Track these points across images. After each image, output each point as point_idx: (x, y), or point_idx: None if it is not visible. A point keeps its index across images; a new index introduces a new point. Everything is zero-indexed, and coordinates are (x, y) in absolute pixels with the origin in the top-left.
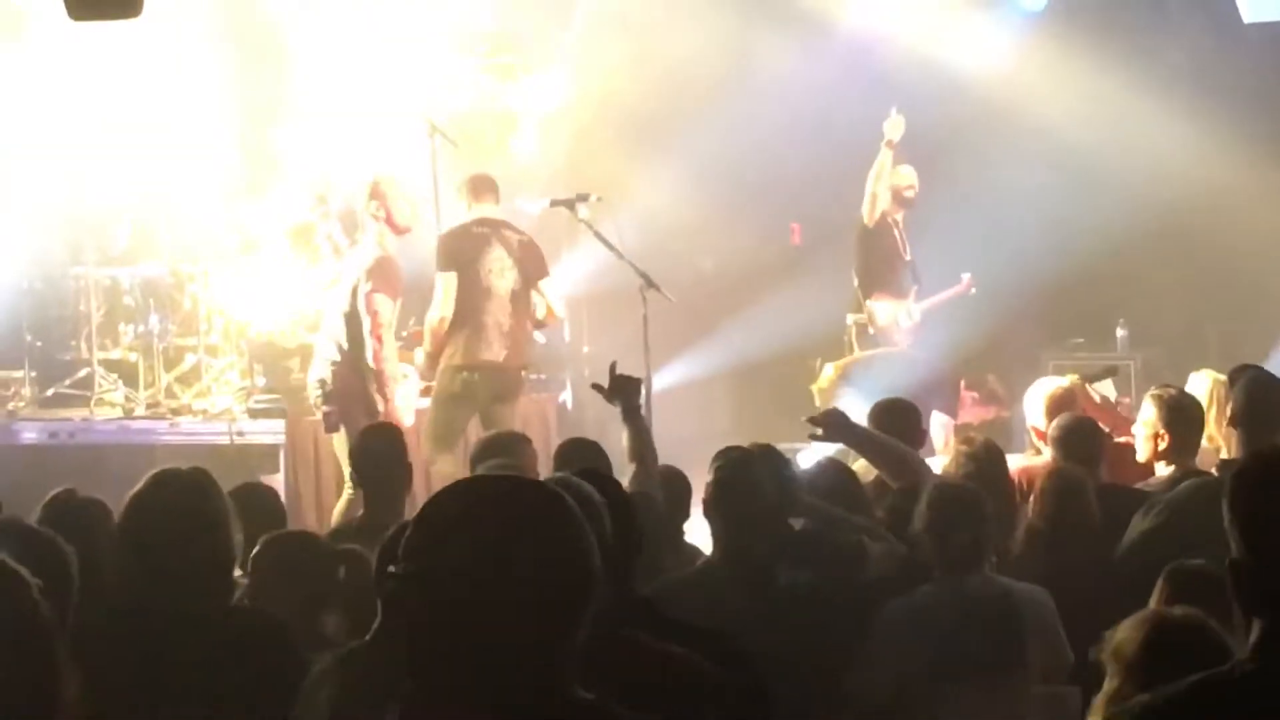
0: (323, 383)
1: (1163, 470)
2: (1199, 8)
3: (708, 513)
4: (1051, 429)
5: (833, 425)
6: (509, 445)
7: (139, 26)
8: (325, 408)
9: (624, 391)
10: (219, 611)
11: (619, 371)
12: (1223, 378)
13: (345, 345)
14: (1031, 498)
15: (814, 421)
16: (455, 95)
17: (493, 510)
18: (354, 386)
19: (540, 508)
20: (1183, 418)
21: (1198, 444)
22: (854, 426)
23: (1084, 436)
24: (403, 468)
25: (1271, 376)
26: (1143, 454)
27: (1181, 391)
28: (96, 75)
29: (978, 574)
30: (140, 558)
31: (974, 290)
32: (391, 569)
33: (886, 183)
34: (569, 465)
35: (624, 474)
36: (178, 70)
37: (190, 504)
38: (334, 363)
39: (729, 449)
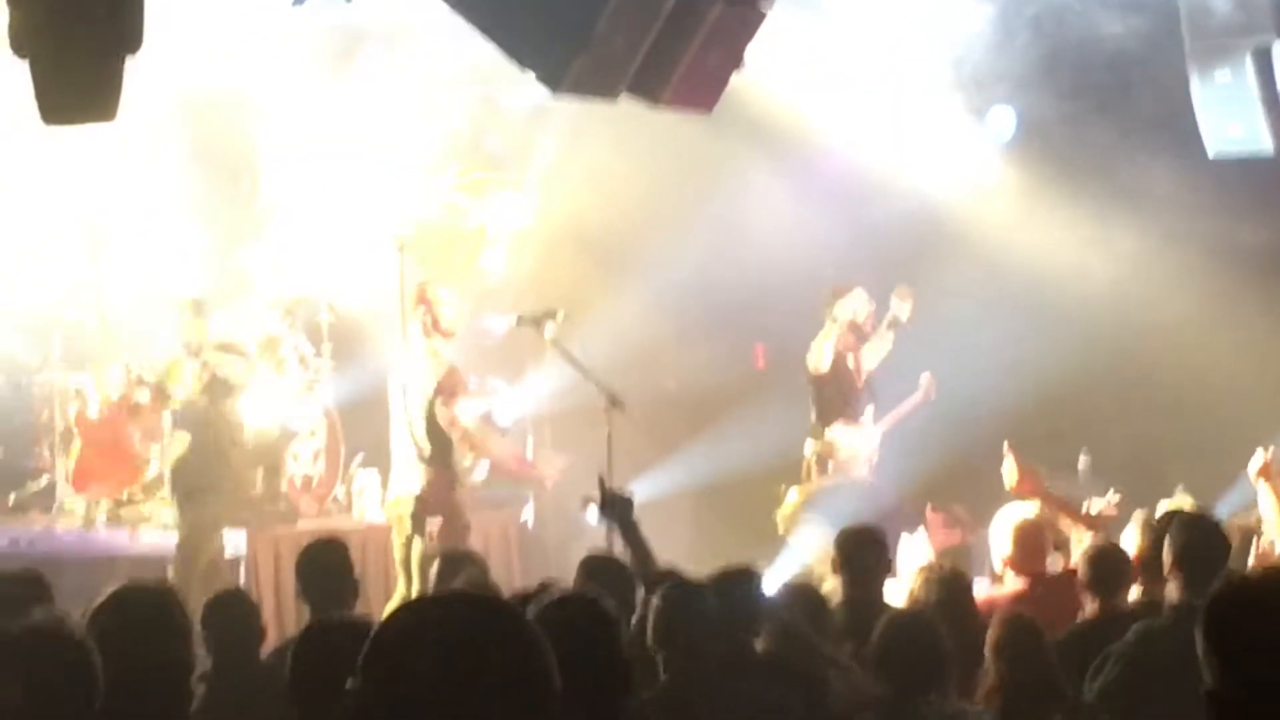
0: (421, 499)
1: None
2: (1164, 142)
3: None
4: (1086, 550)
5: (614, 506)
6: (469, 560)
7: (115, 136)
8: (433, 519)
9: (617, 509)
10: None
11: (608, 487)
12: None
13: (432, 459)
14: (987, 649)
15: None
16: (425, 211)
17: (450, 628)
18: (449, 496)
19: (498, 626)
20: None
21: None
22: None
23: (1115, 564)
24: (350, 580)
25: (1201, 519)
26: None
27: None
28: (70, 183)
29: (934, 701)
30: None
31: (934, 396)
32: (349, 685)
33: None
34: (594, 579)
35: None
36: (150, 182)
37: (152, 622)
38: (428, 478)
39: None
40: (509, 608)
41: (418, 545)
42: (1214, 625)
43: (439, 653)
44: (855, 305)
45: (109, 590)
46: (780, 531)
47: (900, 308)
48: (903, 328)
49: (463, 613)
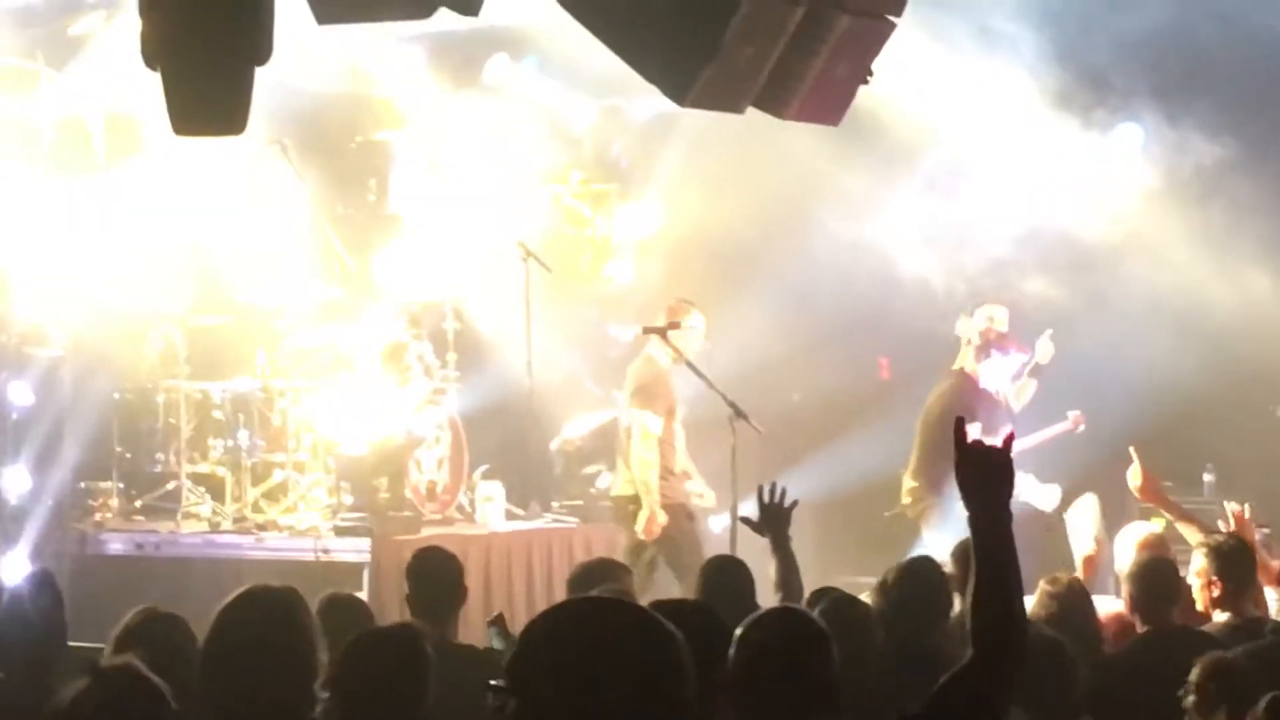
0: (628, 498)
1: (1220, 617)
2: None
3: None
4: (1130, 567)
5: (772, 517)
6: (612, 571)
7: (246, 147)
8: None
9: (775, 521)
10: None
11: (769, 498)
12: None
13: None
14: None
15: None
16: (549, 219)
17: (584, 631)
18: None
19: (631, 631)
20: (1233, 564)
21: (1251, 587)
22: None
23: (1164, 577)
24: (459, 588)
25: None
26: (1200, 603)
27: (1230, 537)
28: (199, 190)
29: None
30: (226, 676)
31: (1082, 428)
32: (493, 683)
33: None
34: (715, 581)
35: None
36: (278, 188)
37: (278, 624)
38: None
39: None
40: (642, 613)
41: (627, 540)
42: None
43: (569, 655)
44: (977, 323)
45: (234, 593)
46: (911, 516)
47: (1044, 354)
48: (1044, 372)
49: (596, 616)
